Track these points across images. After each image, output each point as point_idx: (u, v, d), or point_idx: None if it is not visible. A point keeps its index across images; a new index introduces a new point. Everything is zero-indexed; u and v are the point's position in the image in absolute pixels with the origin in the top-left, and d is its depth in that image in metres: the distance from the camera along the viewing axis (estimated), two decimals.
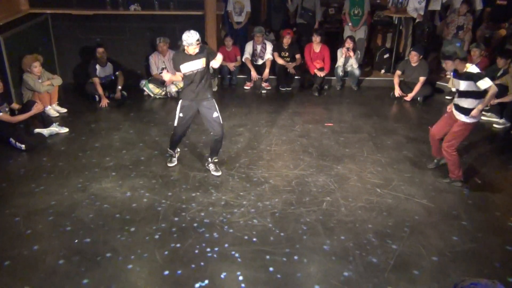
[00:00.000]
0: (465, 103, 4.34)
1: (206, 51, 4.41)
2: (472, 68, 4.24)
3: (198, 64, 4.38)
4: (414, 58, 7.06)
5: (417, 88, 7.10)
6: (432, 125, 4.86)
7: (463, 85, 4.31)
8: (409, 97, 7.16)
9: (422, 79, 7.08)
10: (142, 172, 4.81)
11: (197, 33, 4.26)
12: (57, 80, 6.38)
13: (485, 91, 4.20)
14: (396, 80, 7.26)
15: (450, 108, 4.62)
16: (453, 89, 4.77)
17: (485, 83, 4.16)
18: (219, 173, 4.78)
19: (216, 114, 4.56)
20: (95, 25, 7.50)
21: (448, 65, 4.29)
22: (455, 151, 4.51)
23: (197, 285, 3.23)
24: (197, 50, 4.30)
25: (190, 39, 4.21)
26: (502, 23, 8.15)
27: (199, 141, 5.57)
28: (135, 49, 7.67)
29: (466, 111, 4.36)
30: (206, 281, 3.27)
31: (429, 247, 3.68)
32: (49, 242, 3.69)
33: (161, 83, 7.20)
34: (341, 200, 4.34)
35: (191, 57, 4.34)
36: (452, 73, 4.50)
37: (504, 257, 3.61)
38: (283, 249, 3.63)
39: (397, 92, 7.22)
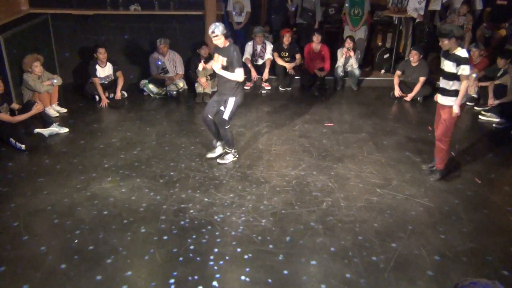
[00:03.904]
0: (448, 85, 4.40)
1: (231, 55, 4.62)
2: (461, 52, 4.27)
3: (223, 61, 4.71)
4: (414, 57, 7.06)
5: (417, 88, 7.11)
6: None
7: (448, 66, 4.35)
8: (409, 97, 7.17)
9: (422, 79, 7.08)
10: (142, 172, 4.81)
11: (217, 27, 4.54)
12: (57, 81, 6.38)
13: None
14: (396, 80, 7.27)
15: (437, 96, 4.66)
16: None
17: (463, 71, 4.23)
18: (222, 161, 5.03)
19: (222, 109, 4.85)
20: (95, 25, 7.50)
21: (445, 43, 4.29)
22: (449, 139, 4.59)
23: (197, 285, 3.23)
24: (217, 43, 4.63)
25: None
26: (502, 23, 8.16)
27: (199, 142, 5.56)
28: (135, 49, 7.67)
29: (449, 93, 4.41)
30: (206, 281, 3.27)
31: (429, 247, 3.68)
32: (49, 242, 3.69)
33: (161, 83, 7.21)
34: (341, 200, 4.34)
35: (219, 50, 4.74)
36: (442, 53, 4.51)
37: (504, 257, 3.61)
38: (283, 249, 3.63)
39: (397, 92, 7.22)
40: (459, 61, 4.25)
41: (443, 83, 4.47)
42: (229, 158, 5.06)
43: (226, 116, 4.81)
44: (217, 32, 4.55)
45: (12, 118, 5.37)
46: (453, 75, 4.34)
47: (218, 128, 4.98)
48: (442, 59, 4.48)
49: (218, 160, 5.02)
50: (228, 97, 4.78)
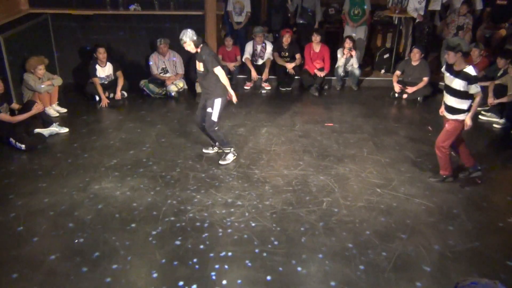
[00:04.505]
0: (456, 102, 4.33)
1: (204, 58, 4.67)
2: (470, 69, 4.19)
3: (199, 66, 4.77)
4: (416, 55, 7.05)
5: (419, 86, 7.07)
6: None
7: (457, 84, 4.27)
8: (410, 90, 7.10)
9: (425, 79, 7.06)
10: (142, 172, 4.81)
11: (185, 33, 4.63)
12: (57, 80, 6.38)
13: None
14: (395, 79, 7.25)
15: (442, 111, 4.59)
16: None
17: (476, 89, 4.19)
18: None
19: (210, 110, 4.85)
20: (95, 25, 7.50)
21: (450, 56, 4.23)
22: (448, 150, 4.54)
23: (197, 285, 3.23)
24: (188, 49, 4.70)
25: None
26: (502, 23, 8.15)
27: (199, 142, 5.55)
28: (135, 49, 7.67)
29: (458, 111, 4.35)
30: (206, 281, 3.27)
31: (429, 247, 3.68)
32: (49, 242, 3.69)
33: (161, 83, 7.21)
34: (341, 200, 4.34)
35: (195, 56, 4.83)
36: (445, 68, 4.44)
37: (504, 257, 3.61)
38: (283, 249, 3.63)
39: (397, 88, 7.19)
40: (470, 80, 4.17)
41: (451, 101, 4.37)
42: (230, 157, 5.07)
43: (214, 117, 4.84)
44: (184, 39, 4.64)
45: (12, 118, 5.37)
46: (462, 93, 4.26)
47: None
48: (447, 74, 4.38)
49: (220, 162, 5.03)
50: (214, 98, 4.79)
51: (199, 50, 4.69)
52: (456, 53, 4.18)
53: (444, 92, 4.48)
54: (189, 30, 4.66)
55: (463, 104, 4.31)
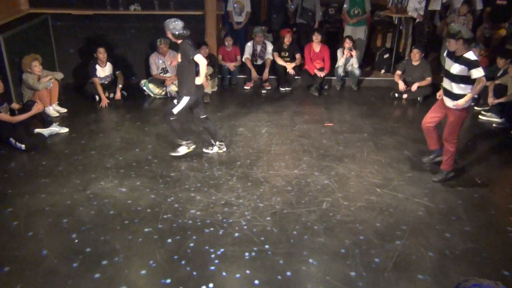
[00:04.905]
0: (456, 88, 4.29)
1: (183, 48, 4.65)
2: (469, 54, 4.17)
3: (178, 57, 4.81)
4: (416, 56, 7.05)
5: (422, 83, 7.06)
6: None
7: (457, 69, 4.24)
8: (414, 87, 7.10)
9: (429, 79, 7.05)
10: (142, 172, 4.81)
11: (168, 22, 4.63)
12: (58, 75, 6.37)
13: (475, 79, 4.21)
14: (397, 78, 7.24)
15: (440, 95, 4.59)
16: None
17: (478, 73, 4.13)
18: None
19: (175, 102, 4.88)
20: (95, 25, 7.51)
21: (451, 44, 4.21)
22: (456, 140, 4.53)
23: (196, 284, 3.23)
24: (174, 41, 4.73)
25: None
26: (502, 23, 8.16)
27: (199, 142, 5.55)
28: (135, 49, 7.67)
29: (456, 97, 4.32)
30: (206, 281, 3.27)
31: (429, 247, 3.68)
32: (49, 242, 3.69)
33: (161, 83, 7.21)
34: (341, 200, 4.34)
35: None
36: (446, 53, 4.41)
37: (504, 257, 3.61)
38: (283, 249, 3.63)
39: (402, 86, 7.16)
40: (470, 64, 4.14)
41: (450, 85, 4.35)
42: (182, 150, 5.10)
43: (175, 110, 4.83)
44: (165, 27, 4.63)
45: (12, 118, 5.37)
46: (462, 78, 4.23)
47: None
48: (447, 59, 4.37)
49: (171, 153, 5.12)
50: (183, 95, 4.80)
51: (179, 42, 4.69)
52: (457, 40, 4.15)
53: (444, 78, 4.47)
54: (174, 22, 4.59)
55: (462, 90, 4.28)
